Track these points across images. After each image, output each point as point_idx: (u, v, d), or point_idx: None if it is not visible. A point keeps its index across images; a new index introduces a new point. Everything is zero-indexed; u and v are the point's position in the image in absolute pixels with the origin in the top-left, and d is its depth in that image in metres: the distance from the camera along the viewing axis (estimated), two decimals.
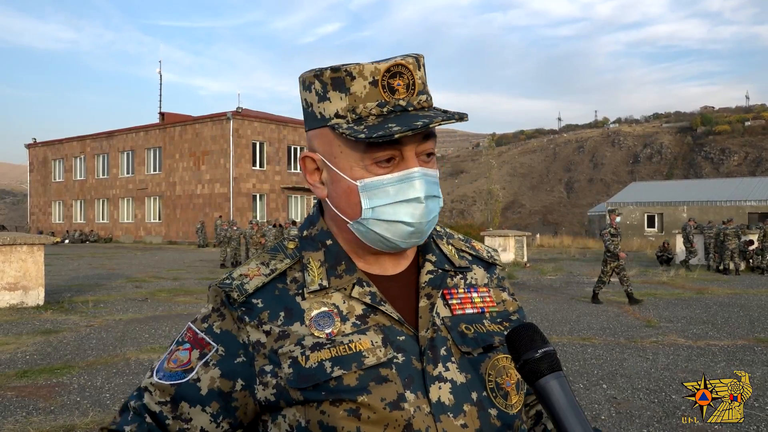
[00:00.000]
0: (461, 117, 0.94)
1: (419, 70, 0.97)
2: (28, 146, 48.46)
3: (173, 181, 38.16)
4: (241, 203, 35.43)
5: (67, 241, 39.83)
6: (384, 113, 0.94)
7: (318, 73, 0.98)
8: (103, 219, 42.66)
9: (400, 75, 0.95)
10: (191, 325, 1.02)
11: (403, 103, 0.95)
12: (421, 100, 0.96)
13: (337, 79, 0.96)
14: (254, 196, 36.34)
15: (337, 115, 0.96)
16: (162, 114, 41.38)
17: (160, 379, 0.98)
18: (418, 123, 0.91)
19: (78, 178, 44.50)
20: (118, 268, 19.69)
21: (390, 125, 0.91)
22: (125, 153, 41.43)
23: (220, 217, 33.37)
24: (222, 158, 35.57)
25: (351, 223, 0.99)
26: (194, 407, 0.96)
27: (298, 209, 38.52)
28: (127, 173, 41.35)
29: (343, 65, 0.96)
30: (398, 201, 0.95)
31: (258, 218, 30.72)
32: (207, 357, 0.97)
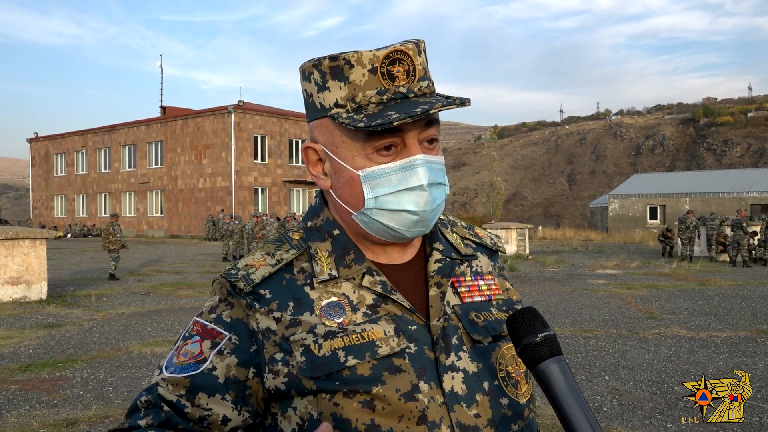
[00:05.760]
0: (462, 102, 0.92)
1: (420, 55, 0.95)
2: (30, 141, 48.47)
3: (175, 174, 38.16)
4: (242, 197, 35.43)
5: (69, 235, 39.90)
6: (384, 101, 0.92)
7: (316, 63, 0.96)
8: (105, 213, 42.66)
9: (400, 61, 0.93)
10: (198, 319, 0.99)
11: (403, 90, 0.92)
12: (422, 87, 0.94)
13: (336, 67, 0.93)
14: (256, 190, 36.34)
15: (336, 105, 0.94)
16: (163, 108, 41.34)
17: (171, 373, 0.94)
18: (417, 110, 0.88)
19: (80, 172, 44.51)
20: (121, 262, 19.70)
21: (389, 113, 0.89)
22: (127, 147, 41.42)
23: (222, 210, 33.43)
24: (223, 152, 35.56)
25: (355, 213, 0.97)
26: (212, 397, 0.93)
27: (300, 202, 38.52)
28: (129, 167, 41.36)
29: (341, 53, 0.93)
30: (401, 189, 0.93)
31: (260, 211, 30.77)
32: (220, 346, 0.94)
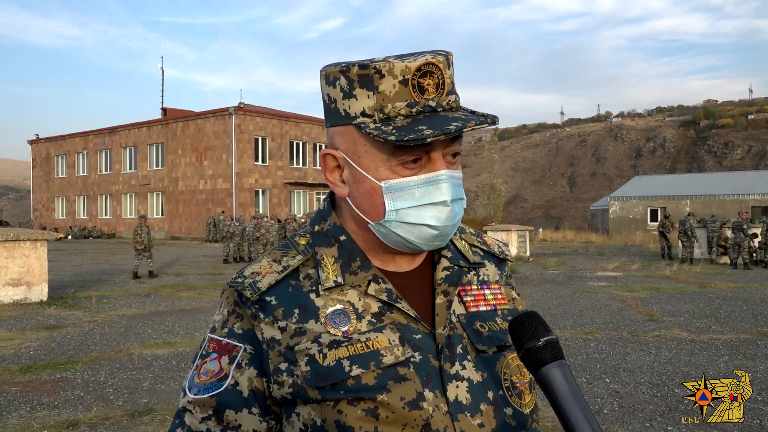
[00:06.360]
0: (493, 120, 0.91)
1: (449, 68, 0.94)
2: (31, 142, 48.51)
3: (176, 176, 38.19)
4: (243, 198, 35.44)
5: (70, 236, 39.91)
6: (413, 114, 0.91)
7: (344, 69, 0.93)
8: (105, 215, 42.72)
9: (431, 74, 0.91)
10: (212, 336, 0.99)
11: (432, 103, 0.91)
12: (450, 101, 0.93)
13: (365, 76, 0.91)
14: (256, 192, 36.35)
15: (363, 114, 0.92)
16: (164, 110, 41.34)
17: (196, 394, 0.95)
18: (450, 127, 0.87)
19: (81, 173, 44.54)
20: (121, 263, 19.71)
21: (421, 127, 0.88)
22: (128, 149, 41.46)
23: (223, 212, 33.43)
24: (224, 154, 35.57)
25: (372, 224, 0.96)
26: (240, 412, 0.93)
27: (301, 204, 38.53)
28: (130, 169, 41.38)
29: (372, 62, 0.92)
30: (424, 204, 0.93)
31: (260, 212, 30.82)
32: (237, 359, 0.95)
